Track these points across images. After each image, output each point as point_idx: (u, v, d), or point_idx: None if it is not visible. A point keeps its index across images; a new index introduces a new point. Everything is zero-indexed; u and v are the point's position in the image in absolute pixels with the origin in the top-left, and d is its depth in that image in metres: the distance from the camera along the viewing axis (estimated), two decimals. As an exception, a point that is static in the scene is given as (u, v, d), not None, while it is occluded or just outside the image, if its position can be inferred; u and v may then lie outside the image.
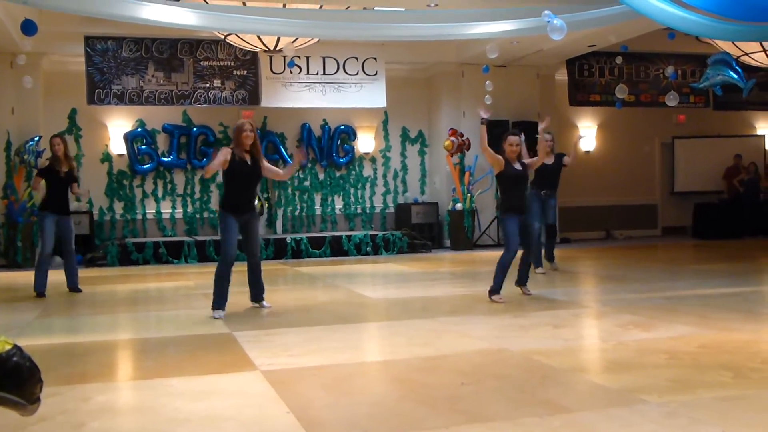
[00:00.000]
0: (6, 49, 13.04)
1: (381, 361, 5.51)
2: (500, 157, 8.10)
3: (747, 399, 4.08)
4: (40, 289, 9.12)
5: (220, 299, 7.38)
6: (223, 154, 7.34)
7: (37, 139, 13.38)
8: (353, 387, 4.63)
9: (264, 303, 7.80)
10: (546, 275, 10.31)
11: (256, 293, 7.82)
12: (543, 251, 10.91)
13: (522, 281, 8.31)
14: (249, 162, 7.41)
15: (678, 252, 14.58)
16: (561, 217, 16.60)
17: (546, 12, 7.08)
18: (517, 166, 8.12)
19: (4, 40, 12.43)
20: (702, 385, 4.36)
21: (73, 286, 9.44)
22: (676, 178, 18.34)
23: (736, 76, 11.61)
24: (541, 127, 9.75)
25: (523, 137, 9.26)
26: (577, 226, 17.32)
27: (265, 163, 7.69)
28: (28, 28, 9.43)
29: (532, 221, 9.95)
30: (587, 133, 17.88)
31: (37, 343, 6.17)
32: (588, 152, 17.92)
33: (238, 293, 7.74)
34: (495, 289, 7.98)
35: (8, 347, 2.73)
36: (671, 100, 12.53)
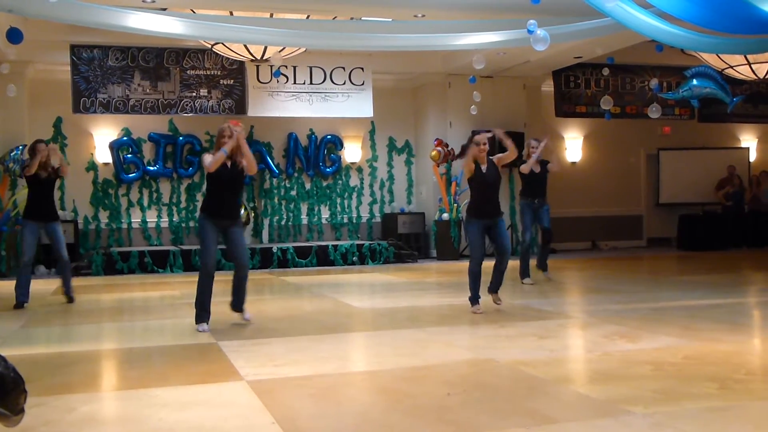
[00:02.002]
0: (-9, 57, 12.97)
1: (367, 371, 5.50)
2: (471, 161, 8.01)
3: (732, 410, 4.10)
4: (19, 299, 8.95)
5: (202, 311, 7.13)
6: (219, 158, 7.11)
7: (21, 147, 13.31)
8: (340, 397, 4.62)
9: (246, 315, 7.47)
10: (534, 285, 10.29)
11: (237, 303, 7.47)
12: (536, 260, 10.91)
13: (493, 288, 8.14)
14: (229, 166, 7.18)
15: (663, 263, 14.65)
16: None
17: (531, 22, 7.11)
18: (483, 168, 7.96)
19: (-11, 48, 12.36)
20: (687, 396, 4.37)
21: (67, 295, 9.31)
22: (662, 189, 18.42)
23: (722, 92, 11.70)
24: (543, 143, 10.38)
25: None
26: (562, 236, 17.32)
27: (244, 162, 7.26)
28: (14, 36, 9.38)
29: (525, 230, 10.10)
30: (572, 143, 17.99)
31: (21, 352, 6.12)
32: (574, 163, 17.99)
33: (223, 303, 7.69)
34: (472, 299, 7.99)
35: None
36: (654, 112, 12.60)
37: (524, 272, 10.55)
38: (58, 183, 9.63)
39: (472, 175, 7.99)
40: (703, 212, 17.64)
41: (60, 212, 14.08)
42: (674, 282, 11.02)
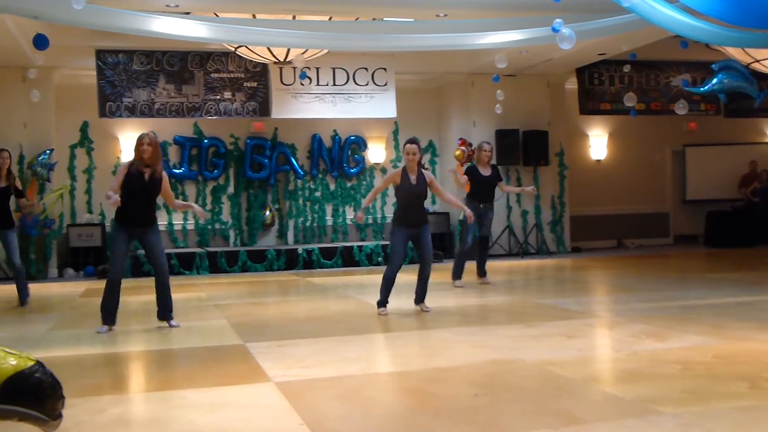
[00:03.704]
0: (18, 63, 13.11)
1: (394, 372, 5.50)
2: (393, 172, 8.07)
3: (763, 410, 4.06)
4: None
5: (107, 314, 7.42)
6: (121, 170, 7.30)
7: (49, 152, 13.47)
8: (366, 398, 4.63)
9: (172, 322, 7.53)
10: (465, 289, 10.25)
11: (163, 312, 7.56)
12: (475, 264, 10.90)
13: (420, 298, 8.21)
14: (146, 176, 7.31)
15: (690, 261, 14.52)
16: (572, 226, 16.61)
17: (557, 21, 7.06)
18: (413, 178, 7.95)
19: (16, 55, 12.50)
20: (717, 395, 4.33)
21: (21, 302, 9.39)
22: (688, 186, 18.27)
23: (748, 85, 11.57)
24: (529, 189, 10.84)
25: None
26: (588, 235, 17.27)
27: (165, 184, 7.53)
28: (40, 42, 9.49)
29: (467, 233, 10.03)
30: (597, 141, 17.88)
31: (51, 354, 6.18)
32: (599, 161, 17.89)
33: (248, 305, 7.72)
34: (380, 302, 8.09)
35: (31, 363, 2.76)
36: (680, 108, 12.50)
37: (457, 274, 10.52)
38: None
39: (398, 186, 7.98)
40: (730, 208, 17.46)
41: (87, 215, 14.41)
42: (702, 280, 10.93)
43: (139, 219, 7.37)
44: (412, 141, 8.06)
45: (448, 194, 8.70)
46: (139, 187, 7.29)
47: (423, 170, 8.07)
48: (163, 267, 7.49)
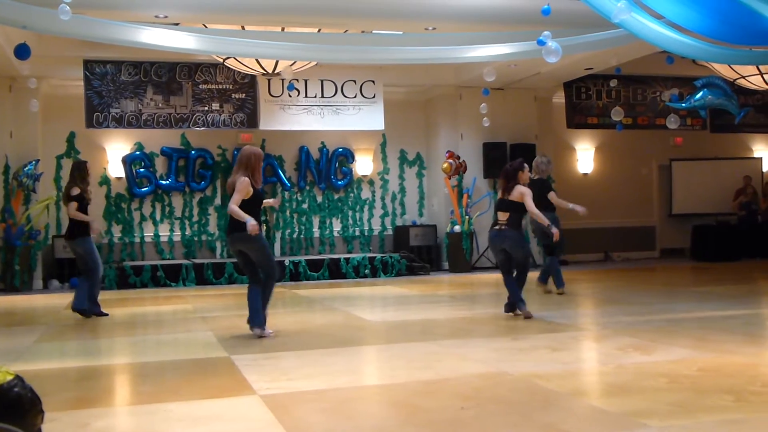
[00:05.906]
0: (5, 72, 13.07)
1: (380, 385, 5.49)
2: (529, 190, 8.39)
3: (748, 423, 4.07)
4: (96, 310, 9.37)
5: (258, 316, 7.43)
6: (246, 187, 7.32)
7: (35, 162, 13.39)
8: (353, 411, 4.61)
9: (266, 331, 7.46)
10: (455, 300, 10.23)
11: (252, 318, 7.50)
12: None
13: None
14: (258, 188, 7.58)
15: (676, 274, 14.58)
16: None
17: (545, 33, 7.09)
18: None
19: (3, 64, 12.45)
20: (703, 408, 4.34)
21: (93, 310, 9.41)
22: (674, 200, 18.35)
23: (729, 102, 11.69)
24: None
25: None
26: (574, 248, 17.28)
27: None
28: (22, 52, 9.44)
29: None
30: (584, 155, 17.96)
31: (35, 367, 6.14)
32: (585, 174, 17.96)
33: (234, 317, 7.69)
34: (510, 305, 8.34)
35: (9, 378, 2.73)
36: (672, 123, 12.58)
37: (558, 281, 10.65)
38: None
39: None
40: (716, 223, 17.55)
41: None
42: (688, 293, 10.96)
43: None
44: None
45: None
46: (260, 198, 7.65)
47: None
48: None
